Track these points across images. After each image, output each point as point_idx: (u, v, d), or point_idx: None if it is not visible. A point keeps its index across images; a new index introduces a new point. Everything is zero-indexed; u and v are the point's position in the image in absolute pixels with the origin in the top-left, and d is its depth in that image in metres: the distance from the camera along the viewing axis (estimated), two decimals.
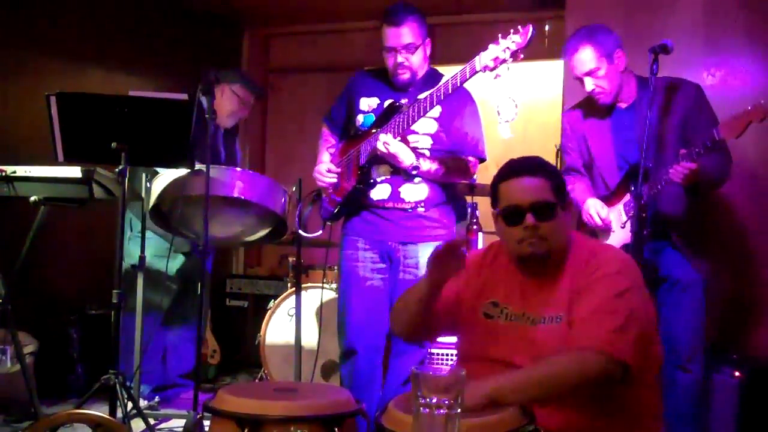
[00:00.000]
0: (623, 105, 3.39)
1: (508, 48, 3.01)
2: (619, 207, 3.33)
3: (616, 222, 3.33)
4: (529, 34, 2.99)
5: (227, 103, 4.26)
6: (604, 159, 3.41)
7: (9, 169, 3.33)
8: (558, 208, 2.20)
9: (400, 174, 3.35)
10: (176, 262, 4.25)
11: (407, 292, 2.40)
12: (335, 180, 3.47)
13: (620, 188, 3.34)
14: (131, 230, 4.15)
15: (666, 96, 3.26)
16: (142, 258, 3.81)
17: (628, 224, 3.24)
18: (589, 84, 3.30)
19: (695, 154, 3.02)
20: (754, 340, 3.90)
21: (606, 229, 3.35)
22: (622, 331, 2.00)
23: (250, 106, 4.41)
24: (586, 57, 3.27)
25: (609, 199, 3.38)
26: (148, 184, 3.63)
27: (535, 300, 2.20)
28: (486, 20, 5.83)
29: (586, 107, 3.50)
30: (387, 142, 3.23)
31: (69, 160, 3.25)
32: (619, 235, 3.31)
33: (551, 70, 5.42)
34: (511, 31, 3.02)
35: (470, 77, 3.10)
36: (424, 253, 3.36)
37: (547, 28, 5.61)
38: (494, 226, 2.32)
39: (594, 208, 3.32)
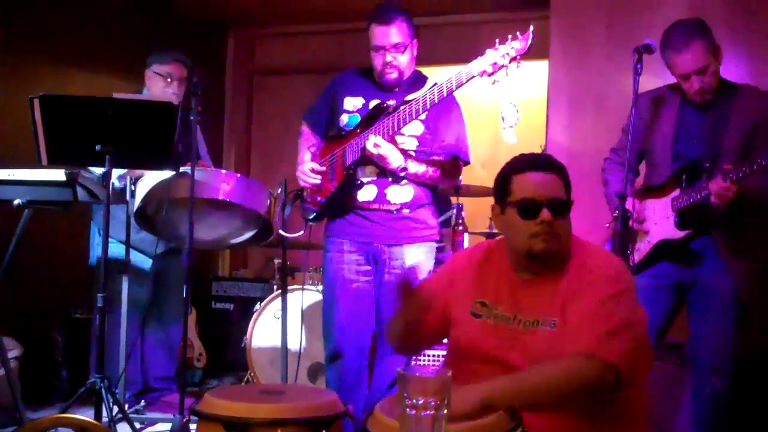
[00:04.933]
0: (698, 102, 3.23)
1: (507, 54, 2.96)
2: (666, 201, 3.25)
3: (662, 215, 3.25)
4: (530, 41, 2.94)
5: (154, 87, 4.08)
6: (662, 149, 3.28)
7: None
8: (569, 208, 2.20)
9: (387, 175, 3.34)
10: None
11: (394, 314, 2.38)
12: (320, 180, 3.45)
13: (670, 182, 3.24)
14: (99, 235, 4.10)
15: (742, 100, 3.15)
16: (127, 262, 3.78)
17: (671, 219, 3.19)
18: (696, 83, 3.11)
19: (741, 173, 2.88)
20: None
21: (639, 226, 3.27)
22: (613, 334, 2.00)
23: (181, 78, 4.05)
24: (698, 52, 3.07)
25: (657, 191, 3.29)
26: (132, 187, 3.61)
27: (528, 304, 2.18)
28: (471, 21, 5.83)
29: (664, 96, 3.32)
30: (377, 143, 3.21)
31: (53, 163, 3.22)
32: (662, 230, 3.24)
33: (535, 71, 5.43)
34: (510, 36, 2.98)
35: (467, 81, 3.06)
36: (409, 254, 3.37)
37: (531, 28, 5.62)
38: (495, 219, 2.30)
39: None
